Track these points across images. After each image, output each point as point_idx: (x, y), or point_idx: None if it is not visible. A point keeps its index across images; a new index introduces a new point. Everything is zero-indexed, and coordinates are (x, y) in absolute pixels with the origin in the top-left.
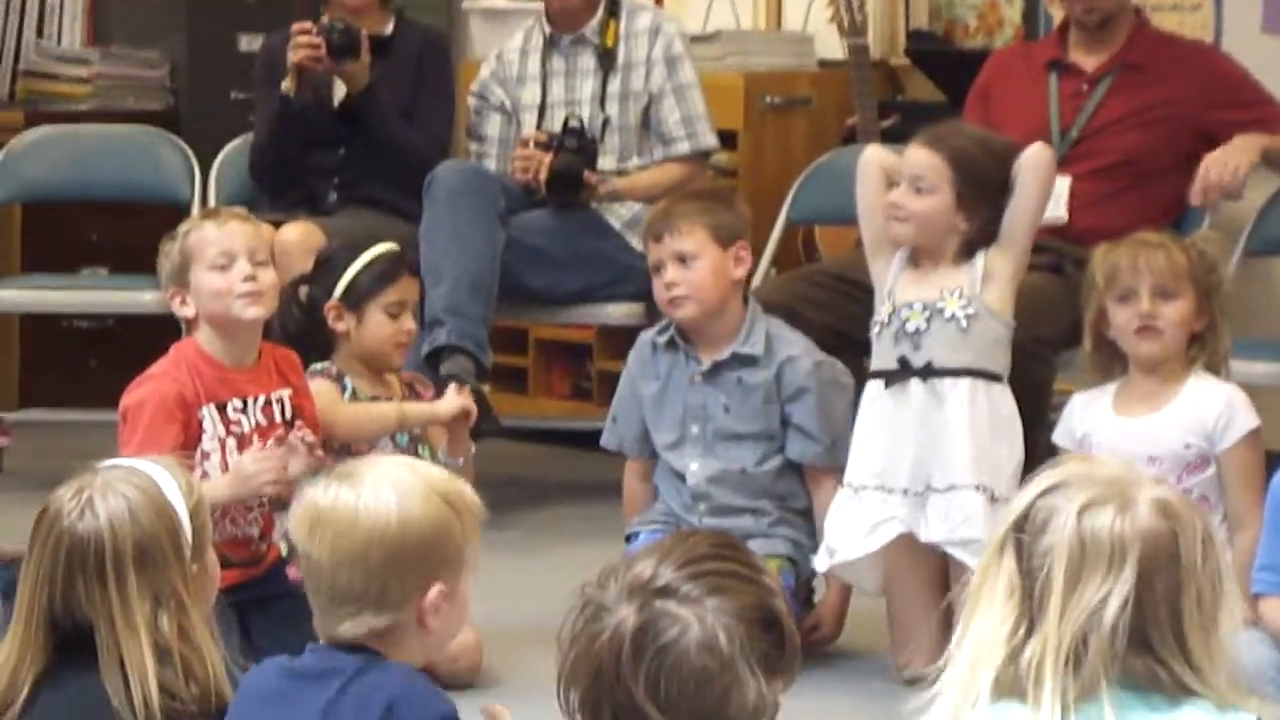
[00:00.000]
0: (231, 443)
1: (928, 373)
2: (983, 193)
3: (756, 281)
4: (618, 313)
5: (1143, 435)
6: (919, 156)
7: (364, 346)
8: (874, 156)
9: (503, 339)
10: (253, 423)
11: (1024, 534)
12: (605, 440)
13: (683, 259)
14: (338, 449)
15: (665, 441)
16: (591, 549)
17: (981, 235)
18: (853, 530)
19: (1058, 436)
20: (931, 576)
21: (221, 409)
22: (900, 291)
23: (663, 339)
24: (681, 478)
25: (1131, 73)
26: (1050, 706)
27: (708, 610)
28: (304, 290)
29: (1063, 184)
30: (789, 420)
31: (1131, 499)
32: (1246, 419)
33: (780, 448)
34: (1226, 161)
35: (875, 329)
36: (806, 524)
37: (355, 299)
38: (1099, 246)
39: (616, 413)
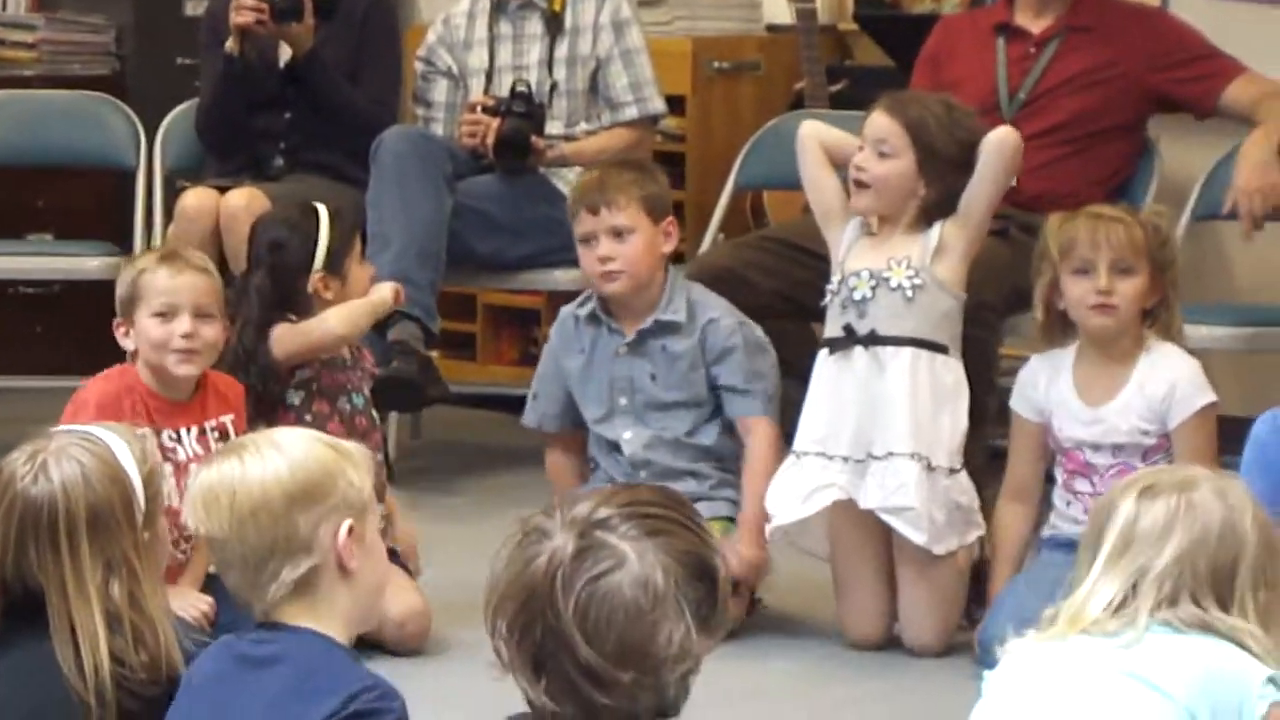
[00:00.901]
0: (168, 468)
1: (871, 340)
2: (943, 161)
3: (704, 247)
4: (566, 278)
5: (1105, 426)
6: (881, 122)
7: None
8: (811, 132)
9: (451, 305)
10: (189, 453)
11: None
12: (526, 418)
13: (618, 233)
14: (321, 365)
15: (595, 415)
16: None
17: (940, 204)
18: (791, 495)
19: (1016, 404)
20: (875, 543)
21: (157, 434)
22: (851, 260)
23: (584, 312)
24: (617, 448)
25: (1079, 35)
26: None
27: (646, 548)
28: (259, 278)
29: None
30: (717, 382)
31: (1193, 482)
32: (1194, 397)
33: (710, 414)
34: (1261, 185)
35: (828, 297)
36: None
37: (336, 263)
38: (1053, 215)
39: (538, 389)
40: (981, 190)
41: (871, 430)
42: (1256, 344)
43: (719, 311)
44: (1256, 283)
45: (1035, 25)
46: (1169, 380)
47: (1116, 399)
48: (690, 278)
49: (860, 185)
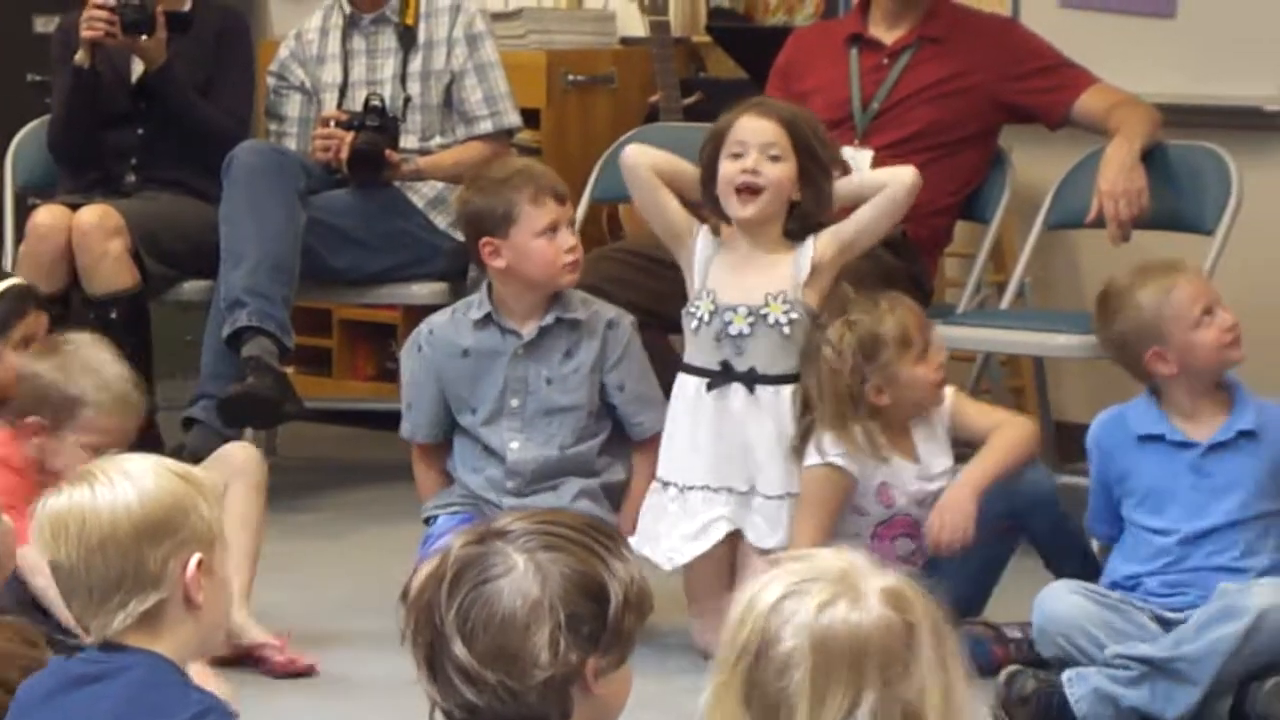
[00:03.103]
0: None
1: (751, 379)
2: (818, 165)
3: None
4: (422, 292)
5: (927, 480)
6: (765, 125)
7: None
8: (640, 160)
9: (306, 320)
10: None
11: (756, 651)
12: (404, 430)
13: (572, 226)
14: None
15: (481, 416)
16: (399, 529)
17: (810, 211)
18: (681, 533)
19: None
20: (726, 556)
21: None
22: (722, 288)
23: (475, 315)
24: (493, 453)
25: (932, 46)
26: None
27: (537, 560)
28: None
29: (865, 157)
30: (622, 388)
31: (861, 592)
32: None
33: (600, 425)
34: (1127, 189)
35: (693, 324)
36: (613, 498)
37: None
38: (839, 324)
39: (410, 400)
40: (876, 225)
41: (751, 464)
42: (1105, 352)
43: (614, 313)
44: None
45: (888, 36)
46: (941, 424)
47: (923, 461)
48: None
49: (752, 191)
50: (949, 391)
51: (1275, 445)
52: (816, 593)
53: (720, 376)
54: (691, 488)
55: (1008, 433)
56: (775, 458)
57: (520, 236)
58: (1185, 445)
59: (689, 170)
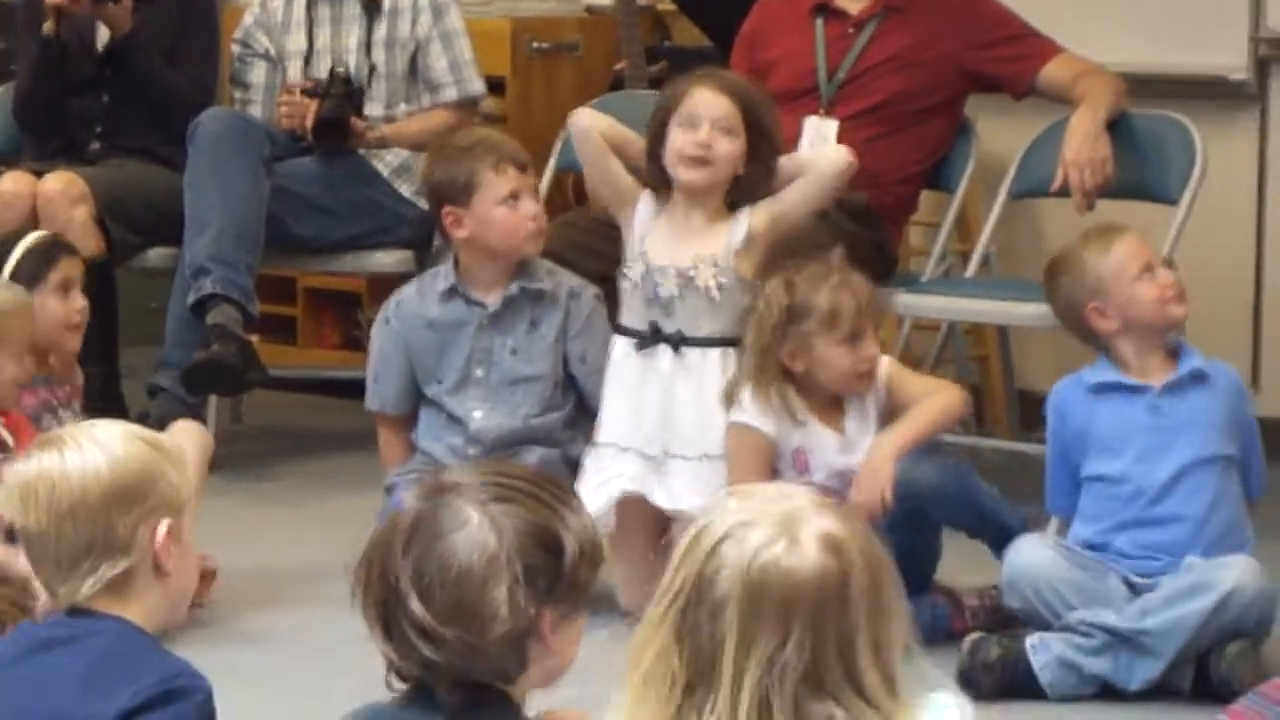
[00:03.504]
0: None
1: (679, 342)
2: (766, 141)
3: None
4: (387, 260)
5: (850, 454)
6: (719, 101)
7: (39, 336)
8: (591, 125)
9: (271, 288)
10: None
11: (691, 592)
12: (369, 402)
13: (535, 194)
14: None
15: (447, 386)
16: (364, 498)
17: (749, 187)
18: (589, 486)
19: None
20: (652, 520)
21: None
22: (654, 251)
23: (441, 286)
24: (456, 421)
25: (897, 15)
26: None
27: (490, 512)
28: None
29: (830, 126)
30: (584, 359)
31: (796, 537)
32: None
33: (565, 397)
34: (1091, 158)
35: (627, 285)
36: (573, 470)
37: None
38: (779, 282)
39: (377, 372)
40: (806, 203)
41: (671, 427)
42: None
43: (577, 282)
44: None
45: (853, 6)
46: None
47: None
48: None
49: (699, 162)
50: (885, 362)
51: (1226, 391)
52: (755, 537)
53: (649, 338)
54: (605, 444)
55: (935, 399)
56: (696, 419)
57: (482, 205)
58: (1140, 389)
59: (634, 137)
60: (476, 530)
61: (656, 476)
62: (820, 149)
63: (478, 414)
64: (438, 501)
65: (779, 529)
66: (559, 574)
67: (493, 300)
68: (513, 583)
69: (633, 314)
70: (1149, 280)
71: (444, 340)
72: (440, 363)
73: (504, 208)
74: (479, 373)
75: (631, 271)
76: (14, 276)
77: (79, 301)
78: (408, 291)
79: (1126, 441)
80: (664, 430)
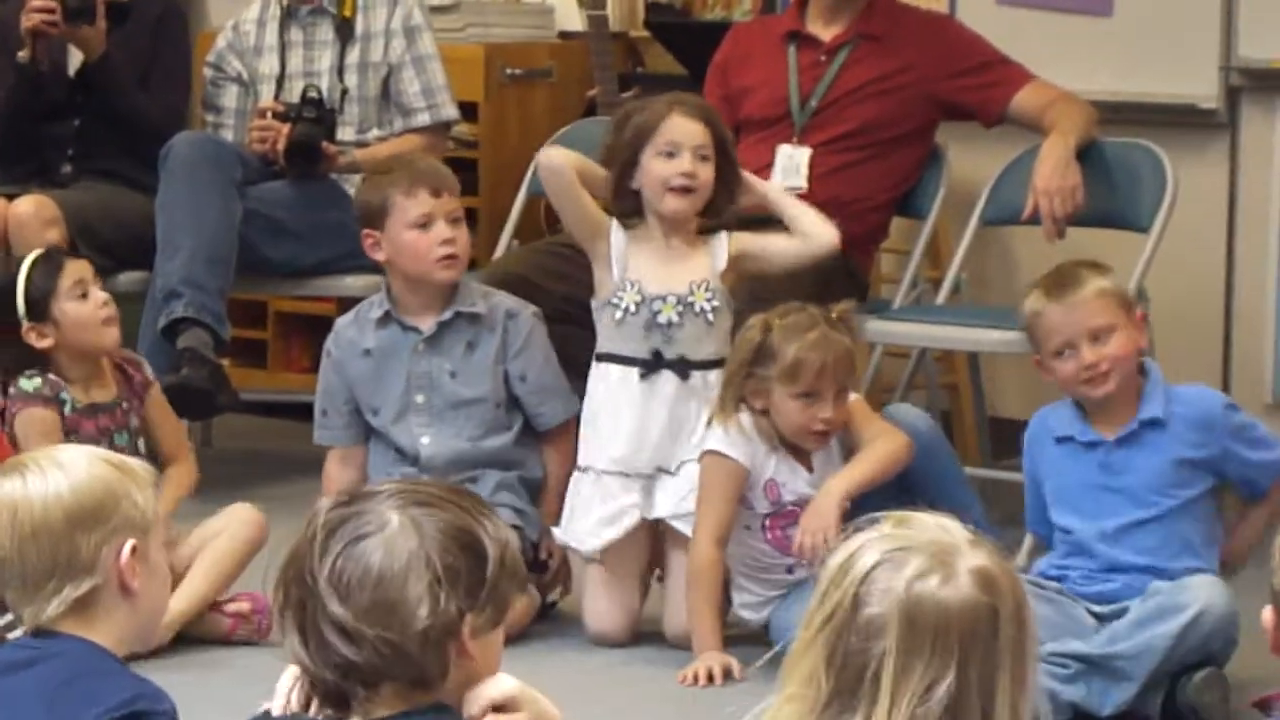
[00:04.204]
0: None
1: (683, 366)
2: (727, 163)
3: (498, 252)
4: (357, 284)
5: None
6: (696, 129)
7: (75, 342)
8: (563, 162)
9: (241, 312)
10: None
11: (845, 614)
12: (318, 437)
13: (455, 220)
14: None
15: (389, 416)
16: None
17: (716, 208)
18: (596, 518)
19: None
20: (638, 547)
21: None
22: (647, 279)
23: (375, 314)
24: (402, 452)
25: (870, 43)
26: None
27: (409, 515)
28: None
29: (802, 154)
30: (524, 378)
31: (953, 570)
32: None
33: (510, 417)
34: (1061, 186)
35: (616, 315)
36: (531, 491)
37: (41, 308)
38: (756, 321)
39: (325, 406)
40: (784, 263)
41: (671, 448)
42: None
43: (514, 303)
44: None
45: (826, 33)
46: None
47: (818, 471)
48: (484, 283)
49: (686, 191)
50: (850, 398)
51: (1191, 427)
52: (911, 564)
53: (652, 364)
54: (609, 473)
55: (881, 444)
56: (697, 433)
57: (394, 228)
58: (1094, 445)
59: (599, 170)
60: (397, 531)
61: (650, 496)
62: (811, 217)
63: (425, 440)
64: (356, 505)
65: (935, 559)
66: (481, 579)
67: (427, 325)
68: (433, 580)
69: (630, 341)
70: (1069, 358)
71: (380, 368)
72: (378, 391)
73: (415, 231)
74: (419, 399)
75: (623, 300)
76: (28, 297)
77: (100, 296)
78: (344, 321)
79: (1078, 497)
80: (667, 450)
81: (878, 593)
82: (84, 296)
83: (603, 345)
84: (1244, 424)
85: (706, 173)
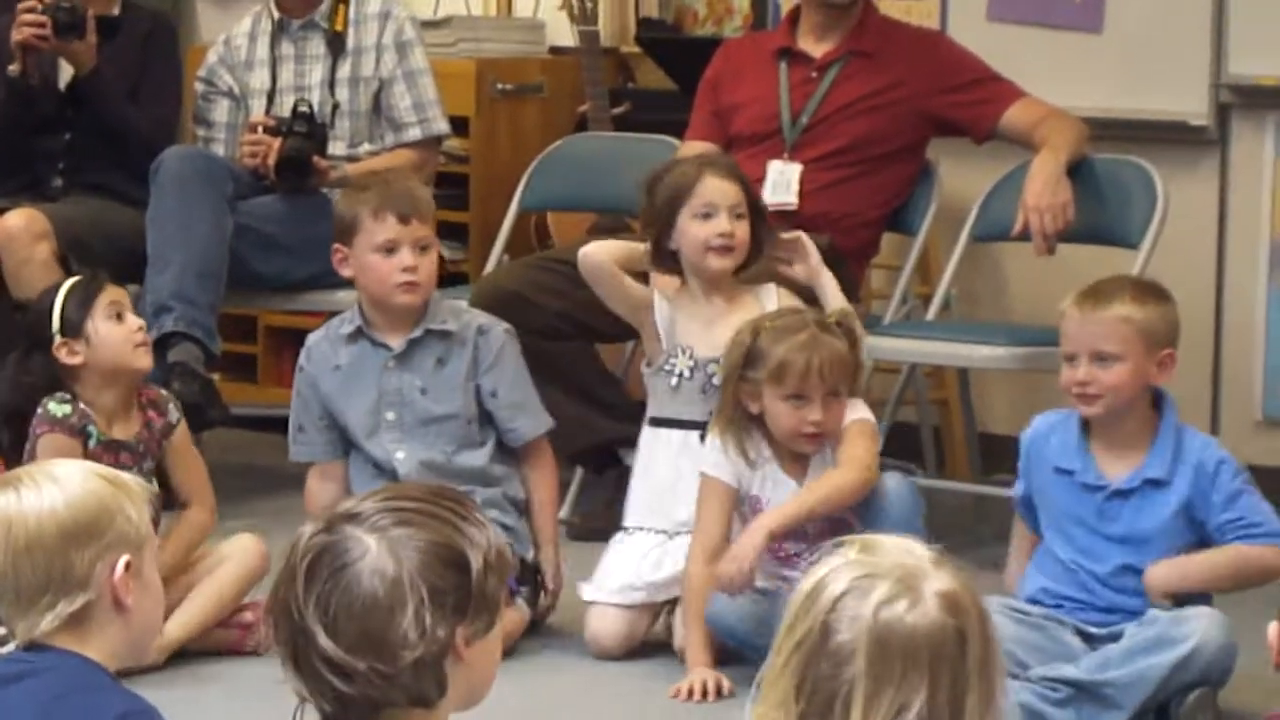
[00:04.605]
0: None
1: None
2: (758, 215)
3: (489, 268)
4: (348, 299)
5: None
6: (730, 189)
7: (104, 361)
8: (601, 255)
9: (232, 326)
10: None
11: (814, 642)
12: (296, 454)
13: (424, 247)
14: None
15: (361, 432)
16: None
17: (750, 261)
18: (646, 580)
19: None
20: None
21: None
22: (697, 344)
23: (346, 330)
24: (380, 466)
25: (860, 59)
26: None
27: (389, 538)
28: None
29: (793, 171)
30: (495, 394)
31: (920, 594)
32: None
33: (483, 433)
34: (1052, 202)
35: (672, 381)
36: (517, 508)
37: (74, 324)
38: (748, 326)
39: (300, 422)
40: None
41: None
42: (1029, 363)
43: (485, 319)
44: (1029, 303)
45: (817, 50)
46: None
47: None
48: (475, 299)
49: (726, 250)
50: (857, 411)
51: (1182, 492)
52: (877, 590)
53: None
54: (680, 534)
55: (830, 478)
56: None
57: (360, 249)
58: (1092, 488)
59: (638, 248)
60: (377, 558)
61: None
62: (834, 288)
63: (400, 454)
64: (336, 532)
65: (900, 584)
66: (467, 591)
67: (397, 342)
68: (419, 606)
69: (688, 406)
70: (1071, 366)
71: (351, 384)
72: (349, 407)
73: (378, 255)
74: (390, 415)
75: (675, 366)
76: (63, 318)
77: (135, 321)
78: (316, 336)
79: (1072, 533)
80: None
81: (846, 620)
82: (119, 318)
83: (659, 410)
84: (1237, 490)
85: (743, 231)
